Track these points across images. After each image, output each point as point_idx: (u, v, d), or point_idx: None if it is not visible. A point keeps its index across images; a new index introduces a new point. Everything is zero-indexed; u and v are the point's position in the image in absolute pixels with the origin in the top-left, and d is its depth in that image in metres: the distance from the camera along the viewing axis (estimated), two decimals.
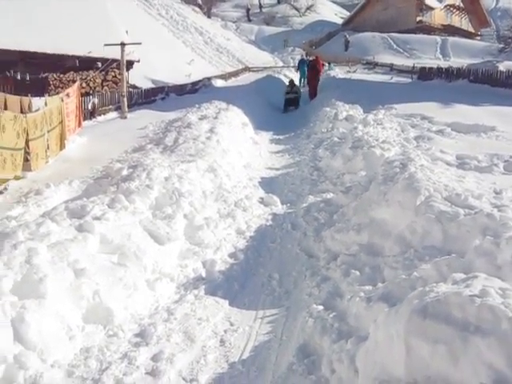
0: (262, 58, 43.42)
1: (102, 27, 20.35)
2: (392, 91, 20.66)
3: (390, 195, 6.56)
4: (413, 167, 7.09)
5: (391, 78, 29.55)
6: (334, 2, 72.21)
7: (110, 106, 17.63)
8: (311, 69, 24.29)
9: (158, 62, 25.72)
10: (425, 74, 27.37)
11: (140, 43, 16.84)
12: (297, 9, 64.38)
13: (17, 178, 9.04)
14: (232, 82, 30.33)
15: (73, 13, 21.17)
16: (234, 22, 57.86)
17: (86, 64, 19.42)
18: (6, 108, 9.79)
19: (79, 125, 13.64)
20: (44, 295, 4.57)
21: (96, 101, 16.74)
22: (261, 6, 66.50)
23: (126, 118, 16.43)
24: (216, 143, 11.43)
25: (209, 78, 27.69)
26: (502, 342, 2.83)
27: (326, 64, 32.38)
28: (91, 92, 18.15)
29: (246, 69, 36.39)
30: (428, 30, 49.50)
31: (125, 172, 8.91)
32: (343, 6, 70.31)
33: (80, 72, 19.01)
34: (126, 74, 17.83)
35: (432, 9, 50.78)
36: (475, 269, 4.22)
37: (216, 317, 5.35)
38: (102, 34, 18.52)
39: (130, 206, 7.02)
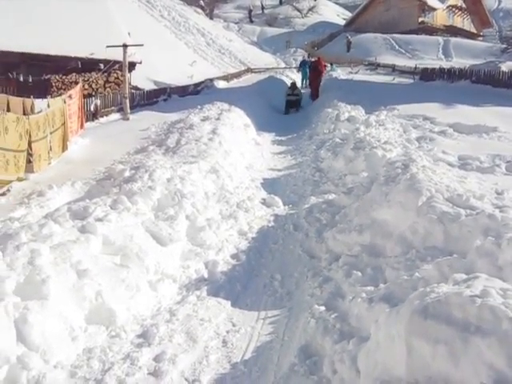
0: (264, 59, 43.44)
1: (104, 29, 20.40)
2: (394, 92, 20.66)
3: (391, 196, 6.56)
4: (414, 168, 7.10)
5: (393, 78, 29.55)
6: (336, 3, 72.25)
7: (113, 108, 17.66)
8: (313, 70, 24.29)
9: (160, 63, 25.75)
10: (427, 74, 27.37)
11: (142, 45, 16.85)
12: (299, 10, 64.40)
13: (19, 179, 9.07)
14: (234, 83, 30.35)
15: (75, 15, 21.24)
16: (236, 24, 57.97)
17: (89, 65, 19.47)
18: (8, 110, 9.83)
19: (81, 126, 13.67)
20: (47, 296, 4.58)
21: (98, 102, 16.77)
22: (263, 8, 66.53)
23: (128, 119, 16.45)
24: (218, 144, 11.45)
25: (211, 80, 27.71)
26: (503, 342, 2.84)
27: (328, 65, 32.39)
28: (93, 93, 18.22)
29: (248, 70, 36.40)
30: (430, 30, 49.46)
31: (127, 173, 8.93)
32: (345, 7, 70.31)
33: (82, 73, 19.09)
34: (128, 75, 17.85)
35: (434, 9, 50.72)
36: (477, 269, 4.23)
37: (218, 317, 5.36)
38: (104, 36, 18.58)
39: (132, 208, 7.03)
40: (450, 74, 24.87)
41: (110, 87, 19.74)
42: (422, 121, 13.51)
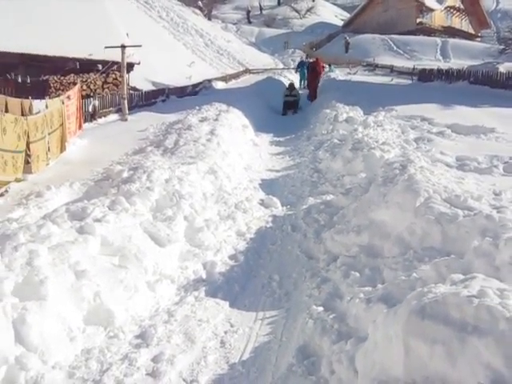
0: (263, 59, 43.48)
1: (102, 29, 20.40)
2: (392, 93, 20.68)
3: (389, 197, 6.58)
4: (412, 169, 7.12)
5: (391, 79, 29.58)
6: (335, 4, 72.28)
7: (111, 109, 17.65)
8: (311, 71, 24.32)
9: (159, 64, 25.74)
10: (425, 75, 27.40)
11: (140, 45, 16.85)
12: (297, 11, 64.43)
13: (18, 180, 9.06)
14: (232, 84, 30.37)
15: (73, 15, 21.24)
16: (234, 24, 57.99)
17: (87, 66, 19.47)
18: (6, 110, 9.83)
19: (80, 127, 13.67)
20: (45, 297, 4.59)
21: (96, 103, 16.76)
22: (261, 8, 66.52)
23: (126, 120, 16.45)
24: (216, 145, 11.45)
25: (209, 80, 27.71)
26: (500, 342, 2.85)
27: (327, 66, 32.40)
28: (92, 94, 18.20)
29: (247, 71, 36.43)
30: (428, 31, 49.52)
31: (125, 174, 8.93)
32: (343, 7, 70.36)
33: (81, 74, 19.07)
34: (127, 76, 17.85)
35: (432, 10, 50.79)
36: (474, 270, 4.24)
37: (216, 318, 5.37)
38: (102, 37, 18.59)
39: (130, 208, 7.04)
40: (448, 75, 24.90)
41: (108, 88, 19.72)
42: (420, 122, 13.54)
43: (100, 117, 16.83)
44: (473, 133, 11.75)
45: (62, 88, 18.24)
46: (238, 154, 12.04)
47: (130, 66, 19.37)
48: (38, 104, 10.93)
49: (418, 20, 49.65)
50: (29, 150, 9.47)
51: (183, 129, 13.29)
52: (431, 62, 37.25)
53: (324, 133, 14.20)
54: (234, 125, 14.56)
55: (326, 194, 9.16)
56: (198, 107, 17.02)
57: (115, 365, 4.40)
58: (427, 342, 3.09)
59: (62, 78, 18.83)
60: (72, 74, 19.05)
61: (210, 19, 54.24)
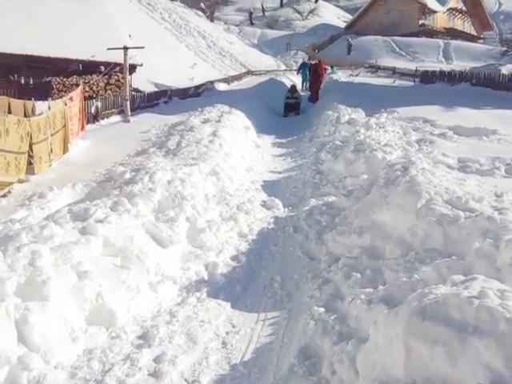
0: (265, 61, 43.49)
1: (104, 31, 20.45)
2: (394, 94, 20.68)
3: (391, 198, 6.59)
4: (414, 170, 7.13)
5: (394, 81, 29.55)
6: (337, 6, 72.27)
7: (113, 110, 17.69)
8: (313, 73, 24.35)
9: (161, 65, 25.80)
10: (427, 77, 27.38)
11: (143, 47, 16.91)
12: (299, 12, 64.42)
13: (20, 181, 9.10)
14: (235, 85, 30.38)
15: (76, 17, 21.29)
16: (236, 26, 57.97)
17: (89, 68, 19.52)
18: (9, 112, 9.86)
19: (82, 128, 13.71)
20: (47, 297, 4.60)
21: (99, 104, 16.81)
22: (263, 10, 66.55)
23: (128, 121, 16.49)
24: (218, 147, 11.48)
25: (211, 82, 27.74)
26: (500, 342, 2.86)
27: (329, 68, 32.40)
28: (94, 96, 18.26)
29: (249, 72, 36.44)
30: (430, 33, 49.48)
31: (128, 175, 8.95)
32: (346, 9, 70.34)
33: (83, 76, 19.13)
34: (129, 77, 17.90)
35: (434, 12, 50.76)
36: (475, 271, 4.25)
37: (218, 319, 5.38)
38: (104, 38, 18.63)
39: (132, 209, 7.06)
40: (451, 77, 24.88)
41: (110, 89, 19.78)
42: (422, 123, 13.53)
43: (102, 118, 16.89)
44: (475, 135, 11.74)
45: (64, 89, 18.30)
46: (240, 156, 12.06)
47: (133, 68, 19.43)
48: (40, 105, 10.95)
49: (421, 22, 49.62)
50: (31, 151, 9.52)
51: (185, 130, 13.32)
52: (433, 63, 37.22)
53: (326, 134, 14.20)
54: (237, 126, 14.58)
55: (327, 196, 9.16)
56: (200, 109, 17.05)
57: (117, 365, 4.42)
58: (428, 343, 3.10)
59: (65, 79, 18.89)
60: (75, 76, 19.11)
61: (212, 21, 54.29)
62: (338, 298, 5.29)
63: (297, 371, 4.28)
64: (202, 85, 26.45)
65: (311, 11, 64.68)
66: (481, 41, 53.72)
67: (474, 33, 56.04)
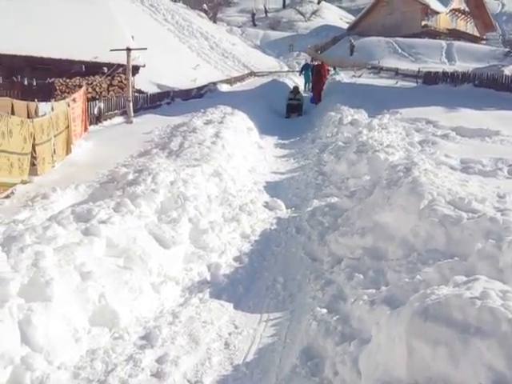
0: (268, 62, 43.51)
1: (107, 32, 20.49)
2: (397, 96, 20.66)
3: (393, 199, 6.59)
4: (416, 171, 7.13)
5: (396, 82, 29.54)
6: (340, 7, 72.35)
7: (116, 111, 17.73)
8: (316, 74, 24.38)
9: (164, 66, 25.83)
10: (430, 78, 27.38)
11: (146, 48, 16.94)
12: (302, 13, 64.46)
13: (24, 182, 9.12)
14: (237, 86, 30.41)
15: (79, 18, 21.34)
16: (239, 27, 58.07)
17: (92, 69, 19.56)
18: (13, 113, 9.89)
19: (85, 129, 13.74)
20: (51, 298, 4.62)
21: (102, 106, 16.84)
22: (266, 11, 66.64)
23: (131, 122, 16.51)
24: (221, 148, 11.48)
25: (214, 83, 27.76)
26: (502, 343, 2.87)
27: (332, 69, 32.39)
28: (97, 97, 18.29)
29: (252, 73, 36.46)
30: (433, 34, 49.48)
31: (130, 176, 8.97)
32: (348, 10, 70.42)
33: (86, 77, 19.16)
34: (132, 78, 17.91)
35: (437, 13, 50.78)
36: (477, 272, 4.25)
37: (221, 320, 5.39)
38: (107, 40, 18.66)
39: (135, 210, 7.07)
40: (453, 78, 24.85)
41: (113, 91, 19.81)
42: (425, 124, 13.52)
43: (105, 119, 16.92)
44: (477, 135, 11.72)
45: (67, 91, 18.33)
46: (242, 157, 12.07)
47: (136, 69, 19.45)
48: (43, 106, 10.98)
49: (423, 23, 49.65)
50: (35, 153, 9.54)
51: (188, 131, 13.33)
52: (436, 64, 37.23)
53: (329, 135, 14.20)
54: (239, 127, 14.59)
55: (330, 197, 9.16)
56: (202, 110, 17.06)
57: (120, 365, 4.43)
58: (430, 343, 3.11)
59: (68, 80, 18.92)
60: (78, 77, 19.14)
61: (215, 22, 54.34)
62: (341, 298, 5.29)
63: (299, 372, 4.28)
64: (205, 86, 26.47)
65: (314, 12, 64.75)
66: (483, 42, 53.68)
67: (476, 34, 56.04)
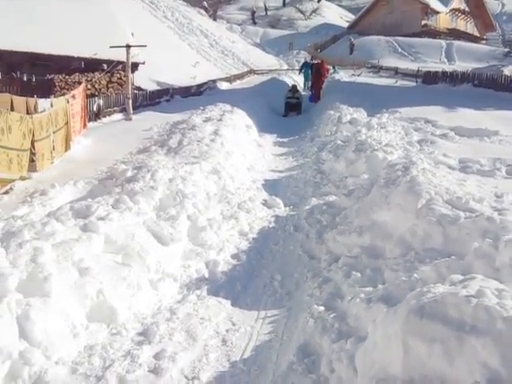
0: (267, 60, 43.49)
1: (107, 29, 20.44)
2: (396, 95, 20.67)
3: (391, 198, 6.61)
4: (415, 170, 7.15)
5: (396, 81, 29.54)
6: (340, 6, 72.23)
7: (115, 108, 17.71)
8: (316, 72, 24.38)
9: (164, 64, 25.77)
10: (429, 77, 27.36)
11: (145, 45, 16.90)
12: (302, 12, 64.41)
13: (22, 178, 9.12)
14: (237, 84, 30.40)
15: (79, 15, 21.29)
16: (239, 25, 58.04)
17: (92, 66, 19.51)
18: (12, 109, 9.88)
19: (84, 126, 13.73)
20: (49, 293, 4.64)
21: (101, 102, 16.83)
22: (266, 9, 66.56)
23: (130, 119, 16.49)
24: (220, 145, 11.49)
25: (214, 81, 27.74)
26: (497, 341, 2.89)
27: (331, 68, 32.38)
28: (96, 93, 18.26)
29: (251, 71, 36.44)
30: (433, 33, 49.43)
31: (129, 173, 8.98)
32: (348, 9, 70.29)
33: (85, 74, 19.11)
34: (131, 75, 17.90)
35: (437, 13, 50.72)
36: (474, 271, 4.27)
37: (218, 317, 5.42)
38: (107, 36, 18.63)
39: (134, 207, 7.09)
40: (453, 78, 24.84)
41: (112, 87, 19.78)
42: (424, 124, 13.52)
43: (104, 116, 16.90)
44: (476, 135, 11.74)
45: (67, 87, 18.29)
46: (241, 155, 12.07)
47: (135, 66, 19.43)
48: (43, 103, 10.97)
49: (423, 22, 49.58)
50: (34, 149, 9.54)
51: (187, 129, 13.34)
52: (436, 64, 37.19)
53: (327, 134, 14.22)
54: (238, 125, 14.59)
55: (328, 195, 9.18)
56: (202, 107, 17.07)
57: (117, 361, 4.45)
58: (425, 341, 3.13)
59: (67, 77, 18.87)
60: (77, 73, 19.09)
61: (215, 20, 54.27)
62: (338, 296, 5.32)
63: (296, 369, 4.31)
64: (204, 83, 26.44)
65: (314, 11, 64.71)
66: (483, 42, 53.61)
67: (476, 33, 56.00)
